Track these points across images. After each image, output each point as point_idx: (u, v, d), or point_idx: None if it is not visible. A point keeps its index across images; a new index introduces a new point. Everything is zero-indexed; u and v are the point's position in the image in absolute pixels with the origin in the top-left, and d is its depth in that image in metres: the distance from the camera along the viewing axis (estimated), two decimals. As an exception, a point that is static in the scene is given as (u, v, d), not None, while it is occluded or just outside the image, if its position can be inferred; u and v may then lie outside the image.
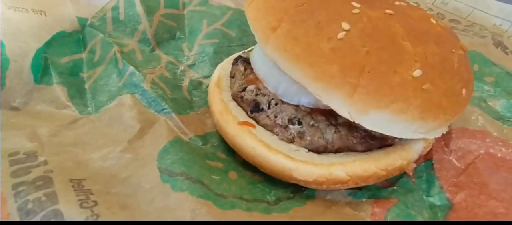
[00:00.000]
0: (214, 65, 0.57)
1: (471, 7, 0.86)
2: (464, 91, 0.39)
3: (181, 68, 0.59)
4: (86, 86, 0.52)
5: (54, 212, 0.30)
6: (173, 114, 0.48)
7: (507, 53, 0.73)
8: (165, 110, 0.48)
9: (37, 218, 0.29)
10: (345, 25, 0.35)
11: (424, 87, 0.35)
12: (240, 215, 0.34)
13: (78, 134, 0.43)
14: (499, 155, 0.49)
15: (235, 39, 0.66)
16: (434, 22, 0.42)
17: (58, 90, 0.49)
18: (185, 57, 0.62)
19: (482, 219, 0.37)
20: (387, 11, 0.38)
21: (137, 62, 0.56)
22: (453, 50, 0.39)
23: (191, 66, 0.60)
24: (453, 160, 0.48)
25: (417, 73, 0.35)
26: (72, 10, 0.59)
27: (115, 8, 0.61)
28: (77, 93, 0.51)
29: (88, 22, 0.59)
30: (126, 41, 0.60)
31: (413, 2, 0.89)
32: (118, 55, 0.54)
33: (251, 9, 0.42)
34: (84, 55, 0.56)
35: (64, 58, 0.53)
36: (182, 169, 0.37)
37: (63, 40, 0.55)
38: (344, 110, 0.36)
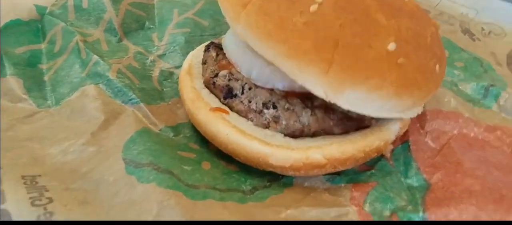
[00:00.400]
0: (186, 55, 0.54)
1: (439, -5, 0.88)
2: (437, 67, 0.38)
3: (151, 58, 0.56)
4: (46, 78, 0.48)
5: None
6: (142, 104, 0.45)
7: (474, 40, 0.75)
8: (133, 100, 0.45)
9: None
10: (317, -1, 0.34)
11: (398, 61, 0.34)
12: (213, 205, 0.32)
13: (35, 128, 0.40)
14: (472, 134, 0.50)
15: (208, 29, 0.64)
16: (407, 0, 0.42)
17: (12, 82, 0.45)
18: (155, 47, 0.59)
19: (458, 197, 0.37)
20: (360, -14, 0.37)
21: (102, 52, 0.53)
22: (426, 26, 0.38)
23: (161, 56, 0.58)
24: (429, 141, 0.48)
25: (391, 46, 0.34)
26: (29, -2, 0.54)
27: (77, -4, 0.57)
28: (35, 85, 0.47)
29: (48, 11, 0.55)
30: (90, 31, 0.56)
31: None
32: (81, 44, 0.50)
33: (220, -13, 0.40)
34: (43, 46, 0.52)
35: (20, 48, 0.49)
36: (149, 159, 0.35)
37: (18, 28, 0.51)
38: (320, 89, 0.35)
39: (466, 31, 0.78)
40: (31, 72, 0.48)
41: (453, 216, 0.35)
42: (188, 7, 0.66)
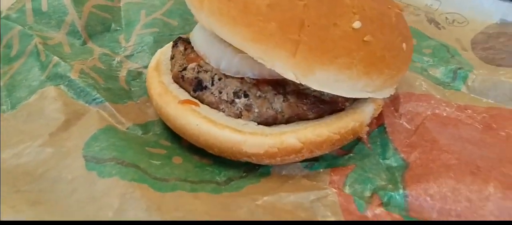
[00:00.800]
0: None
1: (405, -10, 0.91)
2: (404, 45, 0.39)
3: (118, 59, 0.54)
4: (1, 83, 0.45)
5: None
6: (107, 103, 0.43)
7: (439, 28, 0.78)
8: (97, 100, 0.43)
9: None
10: (281, -19, 0.33)
11: (365, 38, 0.34)
12: (183, 196, 0.30)
13: (-14, 134, 0.36)
14: (445, 114, 0.50)
15: (177, 28, 0.63)
16: (371, -16, 0.42)
17: (-37, 89, 0.41)
18: (122, 48, 0.57)
19: (437, 172, 0.37)
20: (324, -31, 0.37)
21: (64, 55, 0.50)
22: (390, 6, 0.39)
23: (129, 57, 0.55)
24: (404, 123, 0.48)
25: (357, 24, 0.34)
26: (-19, 2, 0.51)
27: (35, -1, 0.54)
28: (-13, 91, 0.43)
29: (3, 15, 0.52)
30: (51, 34, 0.53)
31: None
32: (40, 46, 0.48)
33: (182, -23, 0.38)
34: (-2, 51, 0.49)
35: (-28, 54, 0.46)
36: (113, 155, 0.32)
37: (-31, 34, 0.47)
38: (289, 72, 0.34)
39: (432, 21, 0.81)
40: (-16, 78, 0.45)
41: (433, 191, 0.35)
42: (156, 8, 0.64)
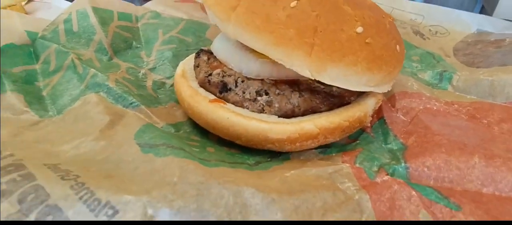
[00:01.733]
0: (175, 67, 0.59)
1: (390, 7, 1.02)
2: (397, 47, 0.46)
3: (143, 71, 0.60)
4: (44, 93, 0.50)
5: (34, 188, 0.28)
6: (143, 106, 0.48)
7: (424, 39, 0.87)
8: (134, 104, 0.48)
9: (14, 197, 0.28)
10: (296, -4, 0.41)
11: (367, 41, 0.41)
12: (226, 171, 0.35)
13: (41, 134, 0.41)
14: (435, 108, 0.57)
15: (192, 44, 0.70)
16: (366, -2, 0.50)
17: (12, 97, 0.47)
18: (145, 63, 0.63)
19: (431, 149, 0.43)
20: (328, -13, 0.45)
21: (96, 68, 0.56)
22: (384, 16, 0.46)
23: (152, 70, 0.62)
24: (400, 116, 0.55)
25: (359, 29, 0.41)
26: (20, 24, 0.57)
27: (67, 21, 0.61)
28: (35, 99, 0.49)
29: (39, 35, 0.58)
30: (81, 52, 0.59)
31: (344, 7, 1.02)
32: (77, 61, 0.53)
33: (209, -4, 0.46)
34: (37, 66, 0.54)
35: (16, 68, 0.51)
36: (162, 141, 0.38)
37: (13, 51, 0.53)
38: (305, 70, 0.41)
39: (417, 32, 0.90)
40: (29, 88, 0.50)
41: (429, 163, 0.41)
42: (171, 27, 0.72)
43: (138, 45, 0.68)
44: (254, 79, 0.46)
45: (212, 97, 0.47)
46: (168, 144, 0.37)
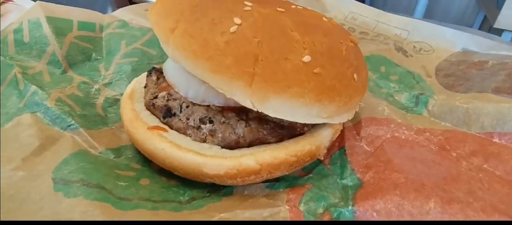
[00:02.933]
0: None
1: (375, 21, 0.98)
2: (355, 76, 0.42)
3: (96, 86, 0.57)
4: (-21, 111, 0.47)
5: None
6: (81, 129, 0.45)
7: (407, 56, 0.83)
8: (72, 126, 0.45)
9: None
10: (237, 20, 0.37)
11: (315, 71, 0.38)
12: (143, 214, 0.32)
13: (-38, 160, 0.38)
14: (403, 137, 0.54)
15: (156, 57, 0.66)
16: (326, 20, 0.46)
17: None
18: (102, 77, 0.60)
19: (386, 190, 0.40)
20: (279, 9, 0.41)
21: (43, 84, 0.53)
22: (341, 41, 0.43)
23: (107, 85, 0.58)
24: (364, 145, 0.52)
25: (306, 58, 0.37)
26: (-34, 34, 0.54)
27: (18, 31, 0.58)
28: (-34, 118, 0.46)
29: (-14, 47, 0.55)
30: (32, 64, 0.56)
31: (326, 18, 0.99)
32: (19, 76, 0.50)
33: (152, 14, 0.42)
34: (-21, 80, 0.51)
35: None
36: (80, 177, 0.35)
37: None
38: (247, 100, 0.37)
39: (400, 49, 0.86)
40: (-37, 106, 0.47)
41: (379, 207, 0.37)
42: (136, 38, 0.68)
43: (98, 57, 0.65)
44: (199, 105, 0.43)
45: (155, 123, 0.44)
46: (86, 180, 0.34)
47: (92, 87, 0.57)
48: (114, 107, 0.54)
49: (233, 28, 0.37)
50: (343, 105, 0.42)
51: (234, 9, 0.38)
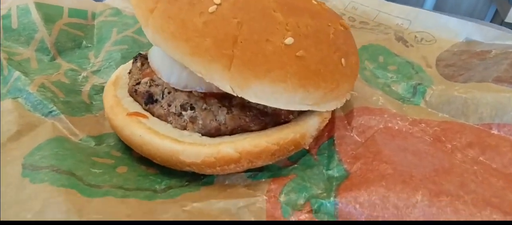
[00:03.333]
0: (119, 67, 0.54)
1: (377, 10, 0.95)
2: (343, 60, 0.41)
3: (84, 74, 0.56)
4: (-38, 96, 0.47)
5: None
6: (63, 116, 0.44)
7: (407, 46, 0.80)
8: (53, 112, 0.44)
9: None
10: (216, 0, 0.36)
11: (297, 54, 0.36)
12: (110, 202, 0.31)
13: None
14: (396, 127, 0.52)
15: (147, 45, 0.65)
16: (315, 3, 0.44)
17: None
18: (90, 64, 0.59)
19: (372, 182, 0.38)
20: (263, -10, 0.39)
21: (29, 70, 0.52)
22: (329, 24, 0.41)
23: (95, 72, 0.58)
24: (354, 135, 0.50)
25: (289, 40, 0.36)
26: (-47, 20, 0.54)
27: (6, 17, 0.57)
28: None
29: (-27, 32, 0.54)
30: (19, 50, 0.55)
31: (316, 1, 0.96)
32: (4, 62, 0.50)
33: (133, -4, 0.41)
34: (-36, 65, 0.51)
35: None
36: (50, 163, 0.34)
37: None
38: (226, 85, 0.36)
39: (400, 39, 0.83)
40: None
41: (363, 199, 0.36)
42: (128, 26, 0.67)
43: (89, 45, 0.64)
44: (182, 91, 0.42)
45: (137, 109, 0.43)
46: (55, 166, 0.33)
47: (80, 75, 0.56)
48: (100, 94, 0.54)
49: (212, 8, 0.35)
50: (329, 92, 0.40)
51: (214, -11, 0.37)
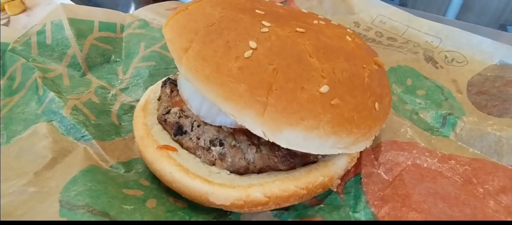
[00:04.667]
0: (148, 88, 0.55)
1: (405, 26, 0.92)
2: (377, 105, 0.40)
3: (113, 92, 0.57)
4: (0, 115, 0.48)
5: None
6: (94, 141, 0.45)
7: (437, 67, 0.78)
8: (85, 137, 0.45)
9: None
10: (253, 44, 0.35)
11: (332, 102, 0.35)
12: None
13: (-20, 167, 0.40)
14: (425, 165, 0.50)
15: (173, 62, 0.65)
16: (349, 39, 0.43)
17: (-37, 120, 0.45)
18: (119, 81, 0.60)
19: (401, 231, 0.37)
20: (299, 29, 0.39)
21: (62, 88, 0.53)
22: (365, 66, 0.40)
23: (123, 90, 0.58)
24: (382, 173, 0.49)
25: (324, 88, 0.35)
26: (-9, 35, 0.56)
27: (41, 32, 0.58)
28: (-13, 123, 0.47)
29: (10, 47, 0.56)
30: (52, 66, 0.57)
31: (354, 22, 0.94)
32: (39, 81, 0.51)
33: (167, 30, 0.41)
34: (1, 82, 0.53)
35: (-23, 86, 0.50)
36: (86, 201, 0.35)
37: (-24, 66, 0.51)
38: (258, 129, 0.36)
39: (430, 59, 0.81)
40: (-14, 110, 0.48)
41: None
42: (155, 40, 0.68)
43: (117, 59, 0.65)
44: (211, 125, 0.42)
45: (166, 139, 0.43)
46: (91, 206, 0.34)
47: (109, 92, 0.57)
48: (129, 114, 0.54)
49: (247, 53, 0.35)
50: (361, 136, 0.39)
51: (250, 31, 0.36)
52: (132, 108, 0.56)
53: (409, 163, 0.50)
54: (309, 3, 0.94)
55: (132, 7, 0.85)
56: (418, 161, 0.51)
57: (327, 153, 0.39)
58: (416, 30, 0.89)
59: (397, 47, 0.84)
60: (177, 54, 0.38)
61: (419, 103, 0.66)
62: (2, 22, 0.83)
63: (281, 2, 0.90)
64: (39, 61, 0.56)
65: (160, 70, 0.62)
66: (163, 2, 0.82)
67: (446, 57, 0.82)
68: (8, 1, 0.87)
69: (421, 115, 0.63)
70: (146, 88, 0.57)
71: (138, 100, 0.56)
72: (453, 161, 0.52)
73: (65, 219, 0.32)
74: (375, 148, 0.52)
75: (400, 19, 0.92)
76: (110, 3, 0.91)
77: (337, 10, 0.94)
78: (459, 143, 0.57)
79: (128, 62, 0.64)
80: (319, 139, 0.36)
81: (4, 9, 0.87)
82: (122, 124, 0.52)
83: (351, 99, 0.37)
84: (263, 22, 0.38)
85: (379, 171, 0.49)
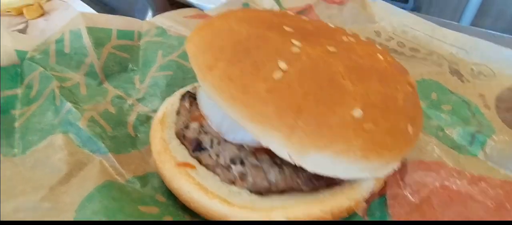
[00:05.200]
0: (165, 99, 0.54)
1: (429, 36, 0.89)
2: (410, 128, 0.37)
3: (130, 102, 0.56)
4: (16, 125, 0.48)
5: None
6: (110, 155, 0.44)
7: (463, 81, 0.74)
8: (101, 150, 0.44)
9: None
10: (283, 65, 0.33)
11: (365, 126, 0.33)
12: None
13: (-5, 179, 0.39)
14: (454, 187, 0.48)
15: (191, 71, 0.64)
16: (381, 57, 0.41)
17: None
18: (136, 90, 0.59)
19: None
20: (330, 48, 0.37)
21: (79, 98, 0.53)
22: (398, 87, 0.38)
23: (140, 100, 0.57)
24: (408, 195, 0.46)
25: (357, 113, 0.33)
26: (11, 43, 0.55)
27: (59, 41, 0.58)
28: (4, 132, 0.46)
29: (28, 56, 0.56)
30: (70, 75, 0.56)
31: (375, 31, 0.91)
32: (57, 91, 0.50)
33: (190, 45, 0.40)
34: (19, 91, 0.52)
35: (-4, 94, 0.49)
36: (104, 219, 0.33)
37: (-5, 74, 0.51)
38: (284, 152, 0.34)
39: (455, 72, 0.77)
40: (3, 117, 0.48)
41: None
42: (173, 49, 0.67)
43: (134, 68, 0.64)
44: (231, 143, 0.40)
45: (184, 154, 0.42)
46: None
47: (126, 102, 0.56)
48: (145, 125, 0.53)
49: (277, 75, 0.33)
50: (391, 159, 0.37)
51: (280, 50, 0.34)
52: (148, 118, 0.54)
53: (437, 184, 0.48)
54: (329, 11, 0.92)
55: (149, 14, 0.84)
56: (446, 183, 0.48)
57: (355, 177, 0.37)
58: (440, 41, 0.86)
59: (421, 58, 0.81)
60: (202, 71, 0.36)
61: (444, 119, 0.63)
62: (21, 26, 0.84)
63: (299, 12, 0.88)
64: (57, 69, 0.56)
65: (177, 79, 0.61)
66: (181, 9, 0.81)
67: (472, 70, 0.78)
68: (27, 5, 0.88)
69: (447, 132, 0.60)
70: (163, 99, 0.56)
71: (154, 110, 0.55)
72: (483, 183, 0.49)
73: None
74: (401, 168, 0.50)
75: (423, 29, 0.89)
76: (126, 8, 0.90)
77: (357, 19, 0.92)
78: (489, 163, 0.54)
79: (146, 71, 0.63)
80: (347, 163, 0.34)
81: (22, 13, 0.87)
82: (138, 135, 0.51)
83: (384, 123, 0.34)
84: (293, 41, 0.36)
85: (405, 193, 0.46)
